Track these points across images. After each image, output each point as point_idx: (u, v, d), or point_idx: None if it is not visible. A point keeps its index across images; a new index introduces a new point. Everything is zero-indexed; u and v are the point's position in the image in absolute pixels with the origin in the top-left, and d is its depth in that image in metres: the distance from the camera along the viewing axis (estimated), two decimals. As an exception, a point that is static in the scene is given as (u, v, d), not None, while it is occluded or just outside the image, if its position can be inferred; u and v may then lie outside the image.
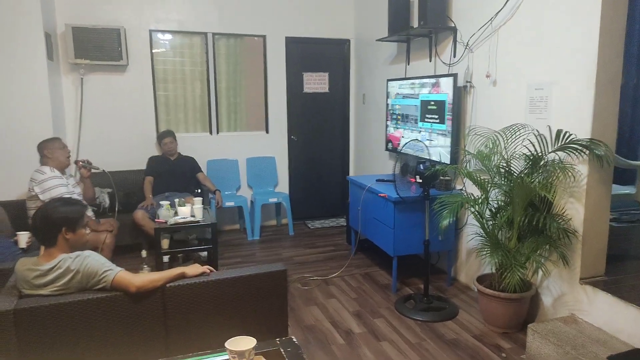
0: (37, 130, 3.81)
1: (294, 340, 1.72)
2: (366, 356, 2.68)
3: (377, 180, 3.94)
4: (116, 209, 3.73)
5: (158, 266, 3.26)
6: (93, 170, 3.64)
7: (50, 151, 3.37)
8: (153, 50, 4.79)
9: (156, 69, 4.84)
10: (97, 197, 4.38)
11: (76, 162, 3.57)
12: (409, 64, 4.34)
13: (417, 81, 3.93)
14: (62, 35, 4.35)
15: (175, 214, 3.46)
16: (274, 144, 5.36)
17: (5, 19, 3.75)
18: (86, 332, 1.95)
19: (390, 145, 4.45)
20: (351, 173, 5.75)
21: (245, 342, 1.50)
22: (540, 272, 2.88)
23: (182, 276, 2.13)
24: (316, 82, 5.52)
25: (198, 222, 3.34)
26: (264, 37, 5.18)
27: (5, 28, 3.77)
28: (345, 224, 5.07)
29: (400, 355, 2.68)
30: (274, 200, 5.05)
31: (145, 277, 2.03)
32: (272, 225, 5.45)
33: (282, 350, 1.67)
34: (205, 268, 2.19)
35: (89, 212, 3.55)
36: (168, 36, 4.86)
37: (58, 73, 4.39)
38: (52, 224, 1.99)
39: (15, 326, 1.85)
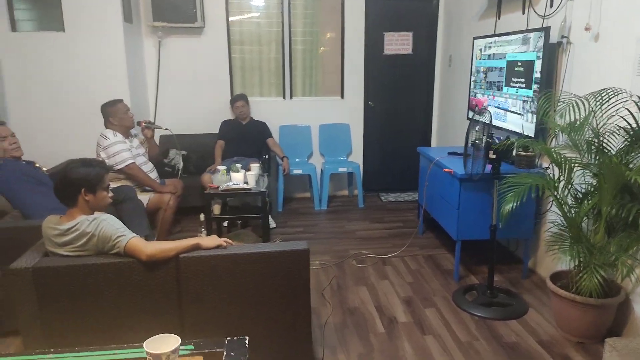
0: (114, 93, 3.98)
1: (246, 342, 1.52)
2: (404, 350, 2.41)
3: (449, 153, 3.51)
4: (179, 171, 3.79)
5: (209, 232, 3.26)
6: (156, 130, 3.72)
7: (114, 116, 3.45)
8: (229, 11, 4.72)
9: (231, 31, 4.79)
10: (172, 158, 4.56)
11: (139, 123, 3.67)
12: (499, 18, 3.73)
13: (504, 38, 3.35)
14: (143, -2, 4.47)
15: (230, 179, 3.41)
16: (349, 110, 5.08)
17: (84, -17, 3.91)
18: (99, 296, 1.95)
19: (472, 114, 3.93)
20: (433, 144, 5.28)
21: (167, 343, 1.31)
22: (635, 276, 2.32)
23: (197, 247, 2.03)
24: (398, 43, 5.07)
25: (249, 189, 3.25)
26: (342, -6, 4.84)
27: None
28: (419, 199, 4.69)
29: (444, 355, 2.36)
30: (344, 169, 4.82)
31: (157, 246, 1.96)
32: (344, 195, 5.25)
33: (225, 352, 1.48)
34: (222, 240, 2.08)
35: (153, 174, 3.66)
36: (244, -4, 4.76)
37: (139, 36, 4.53)
38: (71, 184, 1.99)
39: (35, 283, 1.91)
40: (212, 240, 2.07)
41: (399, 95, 5.19)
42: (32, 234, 2.08)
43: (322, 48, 5.00)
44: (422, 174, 3.89)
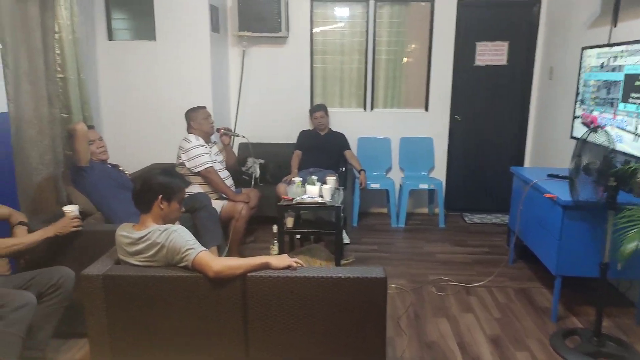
0: (198, 100, 4.03)
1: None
2: (491, 400, 2.10)
3: (549, 176, 3.11)
4: (256, 180, 3.74)
5: (280, 245, 3.15)
6: (234, 137, 3.72)
7: (196, 121, 3.53)
8: (313, 21, 4.66)
9: (315, 40, 4.71)
10: (249, 166, 4.55)
11: (218, 130, 3.68)
12: (615, 26, 3.27)
13: (623, 48, 2.91)
14: (230, 9, 4.52)
15: (305, 192, 3.28)
16: (433, 123, 4.78)
17: (175, -7, 4.03)
18: (165, 309, 1.89)
19: (585, 131, 3.47)
20: (526, 163, 4.81)
21: None
22: None
23: (266, 266, 1.90)
24: (492, 53, 4.69)
25: (324, 203, 3.09)
26: (432, 1, 4.58)
27: (173, 0, 4.04)
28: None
29: (540, 412, 2.02)
30: (425, 186, 4.52)
31: (225, 263, 1.85)
32: (423, 213, 4.93)
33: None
34: (292, 261, 1.92)
35: (229, 182, 3.63)
36: (329, 5, 4.67)
37: (225, 45, 4.60)
38: (150, 189, 1.96)
39: (104, 290, 1.88)
40: (282, 260, 1.92)
41: (490, 110, 4.80)
42: (111, 238, 2.07)
43: (406, 58, 4.76)
44: (515, 197, 3.50)
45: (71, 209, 2.47)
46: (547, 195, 2.75)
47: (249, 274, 1.87)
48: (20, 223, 2.32)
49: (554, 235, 2.70)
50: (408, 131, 4.80)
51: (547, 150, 4.39)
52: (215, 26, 4.24)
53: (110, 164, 3.14)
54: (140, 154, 4.20)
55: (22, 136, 3.12)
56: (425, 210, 4.95)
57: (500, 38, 4.66)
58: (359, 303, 1.87)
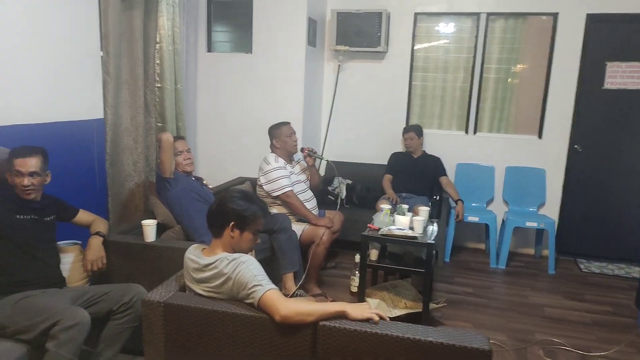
0: (288, 114, 3.90)
1: None
2: None
3: None
4: (339, 202, 3.48)
5: (362, 278, 2.83)
6: (317, 159, 3.51)
7: (278, 140, 3.34)
8: (415, 35, 4.34)
9: (416, 56, 4.38)
10: (335, 186, 4.31)
11: (302, 150, 3.49)
12: None
13: None
14: (329, 22, 4.37)
15: (394, 222, 2.95)
16: (546, 152, 4.18)
17: (275, 5, 3.95)
18: (225, 348, 1.68)
19: None
20: (664, 206, 4.01)
21: None
22: None
23: (342, 315, 1.61)
24: (625, 75, 4.00)
25: (414, 237, 2.73)
26: (555, 15, 4.03)
27: (271, 13, 3.97)
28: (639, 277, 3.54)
29: None
30: (533, 224, 3.92)
31: (295, 307, 1.59)
32: (528, 254, 4.31)
33: None
34: (374, 313, 1.60)
35: (312, 203, 3.41)
36: (434, 19, 4.32)
37: (320, 60, 4.45)
38: (224, 213, 1.78)
39: (164, 319, 1.72)
40: (362, 311, 1.61)
41: (619, 140, 4.08)
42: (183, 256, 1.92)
43: (518, 78, 4.24)
44: (653, 250, 2.85)
45: (149, 223, 2.40)
46: None
47: (321, 323, 1.59)
48: (97, 234, 2.27)
49: None
50: (516, 160, 4.24)
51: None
52: (312, 40, 4.10)
53: (194, 177, 3.07)
54: (229, 166, 4.16)
55: (118, 143, 3.18)
56: (530, 251, 4.33)
57: (637, 58, 3.96)
58: (451, 376, 1.50)
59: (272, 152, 3.37)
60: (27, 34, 2.41)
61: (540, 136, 4.20)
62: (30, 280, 2.00)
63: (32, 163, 2.01)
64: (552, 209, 4.20)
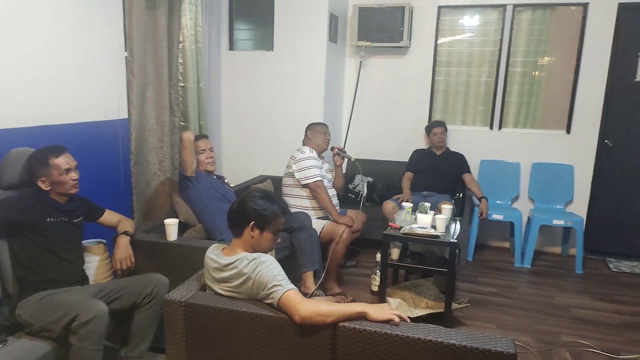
0: (309, 112, 3.91)
1: None
2: None
3: None
4: (361, 201, 3.46)
5: (383, 277, 2.81)
6: (347, 160, 3.54)
7: (313, 133, 3.46)
8: (439, 29, 4.26)
9: (439, 51, 4.30)
10: (356, 184, 4.29)
11: (332, 149, 3.50)
12: None
13: None
14: (350, 18, 4.33)
15: (415, 220, 2.91)
16: (575, 148, 4.06)
17: (296, 2, 3.93)
18: (244, 347, 1.70)
19: None
20: (700, 204, 3.85)
21: None
22: None
23: (362, 316, 1.60)
24: (660, 67, 3.85)
25: (437, 236, 2.69)
26: (585, 5, 3.89)
27: (292, 10, 3.95)
28: (672, 279, 3.41)
29: None
30: (560, 222, 3.82)
31: (315, 308, 1.59)
32: (555, 253, 4.21)
33: None
34: (394, 315, 1.59)
35: (335, 200, 3.40)
36: (458, 12, 4.23)
37: (341, 56, 4.42)
38: (244, 212, 1.79)
39: (185, 318, 1.74)
40: (383, 312, 1.60)
41: (652, 135, 3.94)
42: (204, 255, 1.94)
43: (545, 72, 4.12)
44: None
45: (171, 222, 2.43)
46: None
47: (340, 324, 1.58)
48: (125, 233, 2.31)
49: None
50: (542, 156, 4.13)
51: None
52: (333, 36, 4.07)
53: (216, 175, 3.09)
54: (250, 164, 4.19)
55: (144, 142, 3.23)
56: (557, 249, 4.22)
57: (674, 48, 3.80)
58: (473, 381, 1.47)
59: (306, 144, 3.45)
60: (53, 36, 2.45)
61: (568, 131, 4.08)
62: (56, 279, 2.06)
63: (71, 158, 2.10)
64: (580, 207, 4.08)
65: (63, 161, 2.06)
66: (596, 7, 3.85)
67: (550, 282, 3.58)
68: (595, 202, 4.09)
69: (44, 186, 2.05)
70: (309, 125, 3.54)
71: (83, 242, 2.29)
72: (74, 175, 2.09)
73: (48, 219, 2.06)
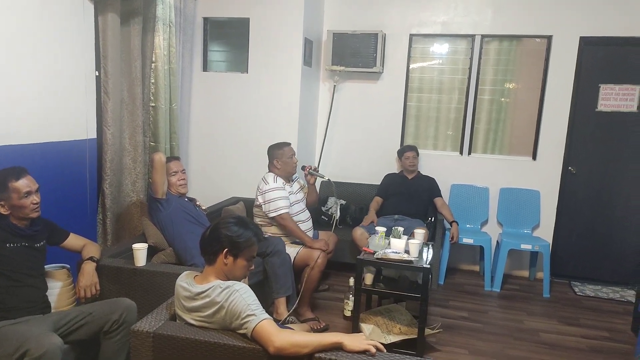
0: (284, 134, 3.89)
1: None
2: None
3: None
4: (335, 221, 3.44)
5: (356, 302, 2.79)
6: (318, 178, 3.50)
7: (279, 161, 3.29)
8: (410, 57, 4.36)
9: (411, 77, 4.40)
10: (329, 207, 4.28)
11: (303, 168, 3.46)
12: None
13: None
14: (325, 43, 4.39)
15: (389, 245, 2.92)
16: (541, 174, 4.19)
17: (271, 26, 3.95)
18: (216, 383, 1.62)
19: None
20: (658, 229, 4.02)
21: None
22: None
23: (338, 347, 1.57)
24: (618, 98, 4.04)
25: (410, 262, 2.69)
26: (549, 37, 4.08)
27: (267, 33, 3.97)
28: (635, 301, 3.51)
29: None
30: (528, 247, 3.90)
31: (290, 338, 1.55)
32: (522, 277, 4.29)
33: None
34: (371, 345, 1.57)
35: (308, 224, 3.38)
36: (429, 40, 4.35)
37: (315, 80, 4.45)
38: (217, 239, 1.74)
39: (153, 350, 1.66)
40: (359, 342, 1.58)
41: (613, 162, 4.10)
42: (175, 281, 1.86)
43: (512, 100, 4.26)
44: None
45: (140, 247, 2.35)
46: None
47: (316, 355, 1.55)
48: (90, 259, 2.22)
49: None
50: (510, 181, 4.25)
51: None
52: (307, 60, 4.10)
53: (187, 198, 3.03)
54: (223, 186, 4.13)
55: (119, 163, 3.14)
56: (524, 273, 4.30)
57: (630, 81, 4.00)
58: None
59: (271, 171, 3.32)
60: (17, 54, 2.36)
61: (534, 157, 4.21)
62: (18, 306, 1.94)
63: (32, 180, 2.01)
64: (546, 231, 4.19)
65: (23, 184, 1.97)
66: (559, 40, 4.04)
67: (519, 305, 3.64)
68: (560, 227, 4.22)
69: (2, 210, 1.95)
70: (272, 150, 3.33)
71: (45, 266, 2.18)
72: (34, 198, 2.00)
73: (8, 245, 1.95)
